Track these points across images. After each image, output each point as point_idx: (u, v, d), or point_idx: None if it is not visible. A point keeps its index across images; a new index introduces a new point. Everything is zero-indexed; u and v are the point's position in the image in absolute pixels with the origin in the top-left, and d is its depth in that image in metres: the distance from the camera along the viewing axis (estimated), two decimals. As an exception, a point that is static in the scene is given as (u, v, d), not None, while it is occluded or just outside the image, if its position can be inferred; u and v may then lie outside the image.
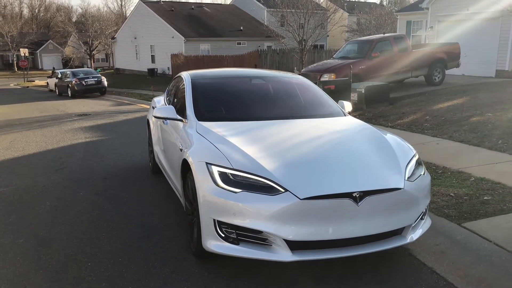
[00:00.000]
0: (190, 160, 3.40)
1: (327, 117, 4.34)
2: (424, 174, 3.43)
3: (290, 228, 2.87)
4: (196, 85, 4.60)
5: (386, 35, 14.36)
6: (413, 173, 3.30)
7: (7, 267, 3.47)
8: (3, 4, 70.71)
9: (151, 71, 31.46)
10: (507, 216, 3.90)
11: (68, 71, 24.46)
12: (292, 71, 16.38)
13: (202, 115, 4.10)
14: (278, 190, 2.92)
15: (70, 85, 21.78)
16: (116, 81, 29.51)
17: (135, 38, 35.37)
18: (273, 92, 4.78)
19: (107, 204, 4.93)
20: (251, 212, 2.91)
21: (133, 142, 8.67)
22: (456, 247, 3.47)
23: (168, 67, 29.74)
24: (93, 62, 49.40)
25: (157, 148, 5.54)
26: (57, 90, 24.10)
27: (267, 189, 2.94)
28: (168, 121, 4.66)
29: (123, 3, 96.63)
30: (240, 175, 3.03)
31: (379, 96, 10.95)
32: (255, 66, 22.52)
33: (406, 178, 3.18)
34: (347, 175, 3.08)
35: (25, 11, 75.50)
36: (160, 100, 5.98)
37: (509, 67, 15.27)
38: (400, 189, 3.06)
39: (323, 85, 10.55)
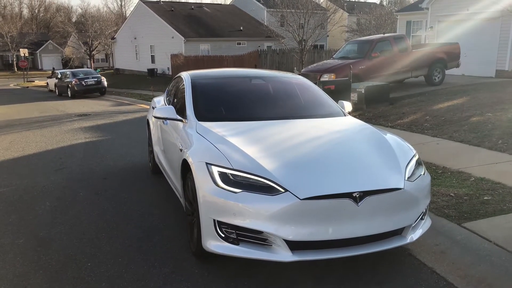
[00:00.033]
0: (190, 160, 3.40)
1: (327, 117, 4.34)
2: (424, 174, 3.43)
3: (290, 228, 2.87)
4: (196, 85, 4.60)
5: (386, 35, 14.36)
6: (413, 173, 3.30)
7: (7, 267, 3.47)
8: (3, 5, 70.81)
9: (151, 71, 31.46)
10: (507, 216, 3.90)
11: (68, 71, 24.49)
12: (292, 71, 16.39)
13: (202, 115, 4.10)
14: (278, 190, 2.91)
15: (70, 85, 21.79)
16: (116, 81, 29.52)
17: (135, 38, 35.37)
18: (273, 92, 4.78)
19: (107, 204, 4.93)
20: (251, 212, 2.91)
21: (133, 142, 8.67)
22: (456, 247, 3.47)
23: (168, 67, 29.75)
24: (93, 62, 49.41)
25: (157, 148, 5.54)
26: (57, 91, 24.11)
27: (267, 189, 2.94)
28: (168, 121, 4.66)
29: (123, 3, 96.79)
30: (240, 175, 3.03)
31: (379, 96, 10.95)
32: (255, 66, 22.52)
33: (406, 178, 3.18)
34: (347, 175, 3.08)
35: (25, 11, 75.63)
36: (160, 100, 5.98)
37: (509, 67, 15.27)
38: (400, 189, 3.06)
39: (323, 85, 10.55)
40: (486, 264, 3.18)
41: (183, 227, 4.08)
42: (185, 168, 3.59)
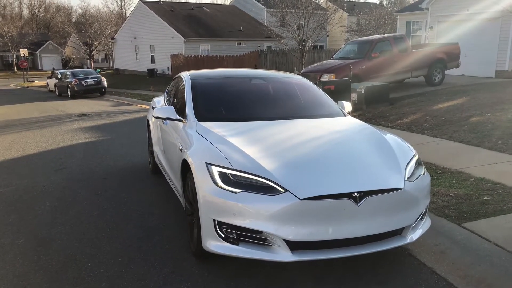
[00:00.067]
0: (190, 160, 3.40)
1: (327, 117, 4.34)
2: (424, 174, 3.43)
3: (290, 228, 2.87)
4: (196, 85, 4.60)
5: (386, 35, 14.37)
6: (413, 173, 3.30)
7: (6, 267, 3.47)
8: (2, 5, 70.81)
9: (151, 72, 31.46)
10: (507, 216, 3.90)
11: (67, 71, 24.49)
12: (292, 71, 16.39)
13: (202, 115, 4.10)
14: (278, 190, 2.92)
15: (69, 85, 21.79)
16: (115, 82, 29.52)
17: (135, 39, 35.37)
18: (273, 92, 4.78)
19: (107, 205, 4.93)
20: (251, 212, 2.91)
21: (133, 143, 8.67)
22: (456, 247, 3.47)
23: (168, 68, 29.75)
24: (93, 62, 49.41)
25: (157, 149, 5.54)
26: (56, 91, 24.11)
27: (267, 189, 2.94)
28: (168, 121, 4.66)
29: (123, 3, 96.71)
30: (240, 175, 3.03)
31: (379, 96, 10.95)
32: (255, 67, 22.53)
33: (406, 178, 3.18)
34: (347, 175, 3.08)
35: (25, 12, 75.61)
36: (160, 101, 5.98)
37: (509, 67, 15.28)
38: (400, 189, 3.06)
39: (323, 85, 10.55)
40: (486, 264, 3.18)
41: (183, 227, 4.08)
42: (185, 168, 3.59)
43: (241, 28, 32.72)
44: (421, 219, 3.34)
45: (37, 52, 61.67)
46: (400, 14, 22.06)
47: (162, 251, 3.67)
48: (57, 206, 4.93)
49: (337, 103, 4.76)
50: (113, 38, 41.11)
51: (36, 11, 76.30)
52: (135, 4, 36.95)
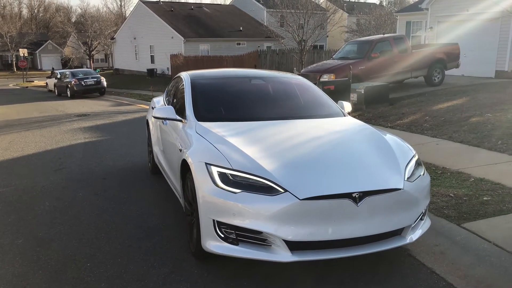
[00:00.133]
0: (189, 161, 3.39)
1: (326, 118, 4.34)
2: (423, 174, 3.43)
3: (290, 228, 2.86)
4: (195, 85, 4.59)
5: (385, 35, 14.38)
6: (412, 174, 3.30)
7: (6, 267, 3.47)
8: (2, 5, 70.79)
9: (151, 72, 31.46)
10: (506, 216, 3.90)
11: (67, 71, 24.48)
12: (291, 71, 16.39)
13: (201, 116, 4.10)
14: (278, 191, 2.91)
15: (69, 85, 21.78)
16: (115, 82, 29.51)
17: (135, 39, 35.37)
18: (273, 93, 4.78)
19: (106, 205, 4.92)
20: (251, 212, 2.91)
21: (132, 143, 8.66)
22: (456, 248, 3.47)
23: (168, 68, 29.75)
24: (93, 62, 49.39)
25: (156, 149, 5.53)
26: (56, 91, 24.10)
27: (266, 190, 2.94)
28: (167, 121, 4.66)
29: (123, 3, 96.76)
30: (240, 176, 3.03)
31: (378, 96, 10.95)
32: (255, 67, 22.55)
33: (405, 179, 3.18)
34: (347, 176, 3.08)
35: (24, 11, 75.60)
36: (159, 101, 5.97)
37: (508, 67, 15.29)
38: (399, 189, 3.06)
39: (323, 86, 10.55)
40: (486, 265, 3.18)
41: (182, 228, 4.08)
42: (185, 168, 3.59)
43: (241, 28, 32.73)
44: (421, 219, 3.34)
45: (37, 52, 61.66)
46: (400, 15, 22.07)
47: (162, 251, 3.67)
48: (56, 206, 4.92)
49: (336, 103, 4.76)
50: (112, 38, 41.10)
51: (35, 11, 76.33)
52: (134, 4, 37.00)
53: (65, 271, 3.38)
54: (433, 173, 5.27)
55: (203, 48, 30.24)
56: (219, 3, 65.89)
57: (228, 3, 45.95)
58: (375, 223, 2.99)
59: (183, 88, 4.67)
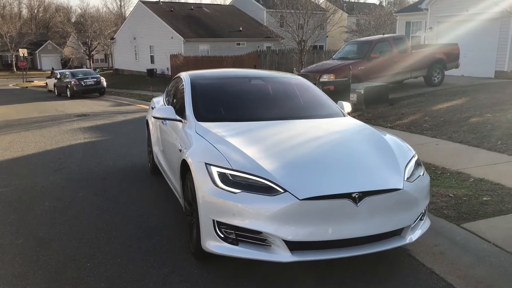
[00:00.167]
0: (189, 161, 3.40)
1: (326, 118, 4.34)
2: (423, 174, 3.43)
3: (290, 228, 2.87)
4: (195, 85, 4.60)
5: (385, 36, 14.40)
6: (412, 174, 3.30)
7: (6, 267, 3.47)
8: (2, 5, 70.79)
9: (150, 72, 31.46)
10: (506, 216, 3.90)
11: (67, 71, 24.48)
12: (291, 71, 16.39)
13: (201, 116, 4.10)
14: (278, 191, 2.92)
15: (69, 85, 21.77)
16: (115, 82, 29.51)
17: (134, 39, 35.37)
18: (272, 93, 4.78)
19: (106, 205, 4.92)
20: (251, 212, 2.91)
21: (132, 143, 8.66)
22: (455, 248, 3.47)
23: (167, 68, 29.75)
24: (92, 62, 49.38)
25: (156, 149, 5.54)
26: (56, 91, 24.09)
27: (266, 190, 2.94)
28: (167, 121, 4.66)
29: (122, 3, 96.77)
30: (239, 176, 3.03)
31: (378, 96, 10.96)
32: (254, 67, 22.54)
33: (405, 179, 3.18)
34: (347, 176, 3.08)
35: (24, 12, 75.59)
36: (159, 101, 5.98)
37: (508, 68, 15.30)
38: (399, 189, 3.06)
39: (323, 86, 10.55)
40: (485, 265, 3.19)
41: (182, 228, 4.08)
42: (185, 168, 3.59)
43: (241, 29, 32.73)
44: (421, 219, 3.34)
45: (37, 52, 61.65)
46: (400, 15, 22.07)
47: (162, 251, 3.67)
48: (56, 206, 4.92)
49: (336, 103, 4.76)
50: (112, 38, 41.10)
51: (35, 11, 76.31)
52: (134, 4, 37.03)
53: (65, 271, 3.38)
54: (433, 173, 5.28)
55: (203, 48, 30.25)
56: (219, 3, 65.96)
57: (228, 3, 45.96)
58: (375, 223, 2.99)
59: (183, 88, 4.67)
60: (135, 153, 7.65)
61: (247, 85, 4.84)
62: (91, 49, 47.94)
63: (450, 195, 4.49)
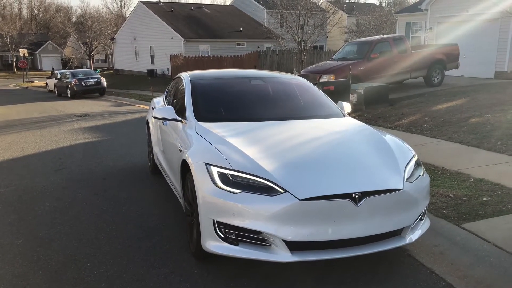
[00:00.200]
0: (189, 161, 3.40)
1: (326, 118, 4.34)
2: (423, 175, 3.43)
3: (290, 228, 2.87)
4: (195, 85, 4.60)
5: (385, 36, 14.40)
6: (412, 174, 3.31)
7: (6, 267, 3.47)
8: (2, 5, 70.83)
9: (151, 72, 31.47)
10: (506, 217, 3.90)
11: (67, 71, 24.48)
12: (291, 72, 16.39)
13: (201, 116, 4.10)
14: (278, 191, 2.92)
15: (69, 85, 21.78)
16: (115, 82, 29.52)
17: (135, 39, 35.39)
18: (273, 93, 4.79)
19: (106, 205, 4.93)
20: (251, 212, 2.91)
21: (132, 143, 8.67)
22: (455, 248, 3.48)
23: (168, 68, 29.76)
24: (93, 62, 49.39)
25: (156, 149, 5.54)
26: (56, 91, 24.10)
27: (266, 190, 2.94)
28: (167, 121, 4.66)
29: (123, 3, 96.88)
30: (240, 176, 3.04)
31: (378, 97, 10.96)
32: (255, 67, 22.54)
33: (405, 179, 3.18)
34: (347, 176, 3.09)
35: (25, 12, 75.62)
36: (159, 101, 5.98)
37: (508, 68, 15.30)
38: (399, 190, 3.06)
39: (323, 86, 10.56)
40: (485, 265, 3.19)
41: (182, 228, 4.08)
42: (185, 168, 3.59)
43: (241, 29, 32.74)
44: (420, 219, 3.35)
45: (37, 52, 61.67)
46: (400, 15, 22.08)
47: (162, 251, 3.68)
48: (56, 207, 4.93)
49: (336, 103, 4.76)
50: (112, 39, 41.12)
51: (35, 11, 76.34)
52: (134, 5, 37.01)
53: (65, 271, 3.38)
54: (433, 174, 5.28)
55: (203, 48, 30.26)
56: (219, 3, 65.95)
57: (228, 4, 45.98)
58: (375, 224, 2.99)
59: (183, 88, 4.67)
60: (135, 153, 7.65)
61: (247, 85, 4.84)
62: (91, 50, 47.94)
63: (450, 195, 4.50)
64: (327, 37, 32.72)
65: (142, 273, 3.32)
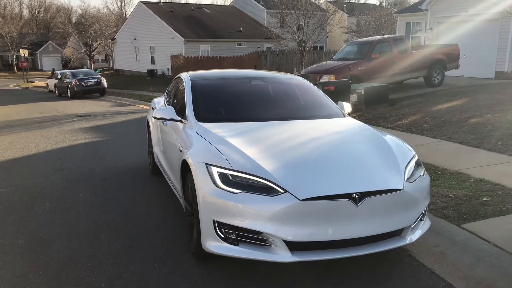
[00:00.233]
0: (189, 161, 3.40)
1: (326, 118, 4.34)
2: (423, 175, 3.43)
3: (290, 229, 2.87)
4: (195, 86, 4.60)
5: (385, 36, 14.40)
6: (412, 174, 3.31)
7: (6, 268, 3.47)
8: (3, 5, 70.83)
9: (151, 72, 31.48)
10: (506, 217, 3.90)
11: (67, 72, 24.49)
12: (291, 72, 16.39)
13: (201, 116, 4.10)
14: (278, 191, 2.92)
15: (69, 86, 21.79)
16: (115, 82, 29.52)
17: (135, 39, 35.40)
18: (273, 93, 4.79)
19: (106, 205, 4.93)
20: (251, 213, 2.91)
21: (132, 143, 8.67)
22: (456, 248, 3.47)
23: (168, 68, 29.77)
24: (93, 63, 49.41)
25: (156, 149, 5.54)
26: (56, 91, 24.11)
27: (266, 190, 2.95)
28: (167, 122, 4.66)
29: (123, 4, 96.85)
30: (240, 176, 3.04)
31: (378, 97, 10.96)
32: (255, 67, 22.54)
33: (405, 179, 3.18)
34: (347, 176, 3.09)
35: (25, 12, 75.62)
36: (160, 101, 5.98)
37: (508, 68, 15.30)
38: (399, 190, 3.06)
39: (323, 86, 10.56)
40: (486, 265, 3.19)
41: (182, 228, 4.08)
42: (185, 168, 3.60)
43: (241, 29, 32.75)
44: (421, 220, 3.35)
45: (37, 52, 61.68)
46: (400, 15, 22.08)
47: (162, 251, 3.68)
48: (57, 207, 4.93)
49: (336, 104, 4.77)
50: (113, 39, 41.14)
51: (36, 11, 76.34)
52: (135, 5, 37.02)
53: (65, 271, 3.38)
54: (433, 174, 5.28)
55: (203, 48, 30.27)
56: (220, 3, 65.97)
57: (228, 4, 45.99)
58: (375, 224, 2.99)
59: (184, 88, 4.68)
60: (136, 153, 7.65)
61: (247, 85, 4.85)
62: (91, 50, 47.96)
63: (450, 195, 4.50)
64: (327, 37, 32.71)
65: (142, 273, 3.32)
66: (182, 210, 4.03)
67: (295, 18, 21.21)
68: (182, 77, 5.06)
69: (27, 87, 33.22)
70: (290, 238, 2.88)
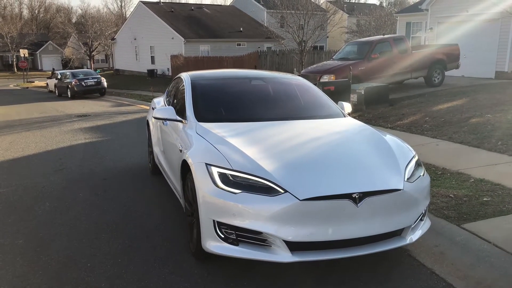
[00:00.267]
0: (189, 161, 3.40)
1: (326, 118, 4.34)
2: (423, 175, 3.43)
3: (290, 229, 2.87)
4: (195, 86, 4.60)
5: (385, 36, 14.40)
6: (412, 174, 3.30)
7: (6, 268, 3.47)
8: (3, 5, 70.84)
9: (151, 72, 31.48)
10: (506, 217, 3.90)
11: (67, 72, 24.49)
12: (291, 72, 16.39)
13: (201, 116, 4.10)
14: (278, 191, 2.92)
15: (69, 86, 21.79)
16: (115, 82, 29.53)
17: (135, 39, 35.40)
18: (273, 93, 4.79)
19: (106, 205, 4.93)
20: (251, 213, 2.91)
21: (132, 143, 8.67)
22: (456, 248, 3.47)
23: (168, 68, 29.77)
24: (93, 63, 49.42)
25: (156, 149, 5.54)
26: (56, 91, 24.11)
27: (266, 190, 2.94)
28: (167, 122, 4.66)
29: (123, 4, 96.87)
30: (240, 176, 3.03)
31: (378, 97, 10.96)
32: (255, 67, 22.54)
33: (405, 179, 3.18)
34: (347, 176, 3.09)
35: (25, 12, 75.63)
36: (160, 101, 5.98)
37: (508, 68, 15.30)
38: (399, 190, 3.06)
39: (323, 86, 10.55)
40: (486, 265, 3.19)
41: (182, 228, 4.08)
42: (185, 168, 3.59)
43: (241, 29, 32.75)
44: (421, 220, 3.35)
45: (37, 52, 61.69)
46: (400, 15, 22.08)
47: (162, 251, 3.68)
48: (57, 207, 4.93)
49: (336, 104, 4.76)
50: (113, 39, 41.14)
51: (36, 11, 76.34)
52: (135, 5, 37.03)
53: (66, 271, 3.38)
54: (433, 174, 5.28)
55: (204, 48, 30.27)
56: (220, 3, 65.98)
57: (228, 4, 45.99)
58: (375, 224, 2.99)
59: (184, 88, 4.68)
60: (136, 153, 7.65)
61: (247, 85, 4.84)
62: (91, 50, 47.96)
63: (450, 195, 4.49)
64: (328, 37, 32.70)
65: (142, 273, 3.32)
66: (182, 210, 4.03)
67: (295, 18, 21.21)
68: (182, 77, 5.06)
69: (27, 87, 33.22)
70: (290, 238, 2.88)
